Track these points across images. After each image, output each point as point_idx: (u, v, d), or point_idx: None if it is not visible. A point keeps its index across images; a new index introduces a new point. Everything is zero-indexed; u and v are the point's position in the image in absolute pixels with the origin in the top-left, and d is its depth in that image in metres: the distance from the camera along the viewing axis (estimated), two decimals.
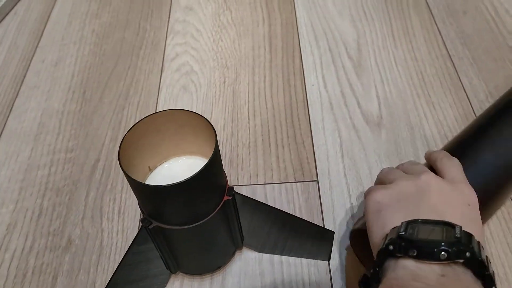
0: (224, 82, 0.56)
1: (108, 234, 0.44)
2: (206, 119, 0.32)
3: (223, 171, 0.35)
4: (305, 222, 0.37)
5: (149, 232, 0.33)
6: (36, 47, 0.63)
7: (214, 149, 0.30)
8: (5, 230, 0.44)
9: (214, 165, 0.31)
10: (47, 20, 0.67)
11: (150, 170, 0.37)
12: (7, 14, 0.69)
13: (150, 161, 0.36)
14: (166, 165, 0.37)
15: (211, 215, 0.33)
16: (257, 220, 0.37)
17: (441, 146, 0.47)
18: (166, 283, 0.40)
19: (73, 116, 0.54)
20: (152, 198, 0.31)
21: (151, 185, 0.29)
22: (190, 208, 0.32)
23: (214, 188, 0.32)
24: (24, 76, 0.59)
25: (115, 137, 0.52)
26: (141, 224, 0.34)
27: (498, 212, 0.42)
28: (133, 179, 0.29)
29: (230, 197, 0.34)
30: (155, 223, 0.33)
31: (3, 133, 0.53)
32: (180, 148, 0.37)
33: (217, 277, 0.40)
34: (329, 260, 0.40)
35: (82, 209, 0.45)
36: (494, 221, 0.42)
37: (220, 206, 0.33)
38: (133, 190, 0.32)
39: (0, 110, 0.55)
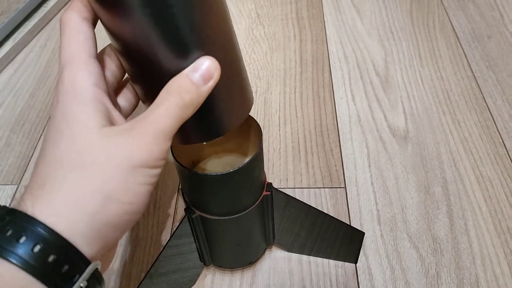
0: (256, 91, 0.59)
1: (144, 227, 0.46)
2: (252, 117, 0.34)
3: (264, 168, 0.37)
4: (336, 220, 0.39)
5: (191, 221, 0.35)
6: None
7: (260, 144, 0.32)
8: None
9: (258, 159, 0.33)
10: None
11: (194, 164, 0.39)
12: (51, 19, 0.73)
13: (194, 156, 0.39)
14: (208, 161, 0.39)
15: (250, 208, 0.35)
16: (289, 215, 0.39)
17: (466, 161, 0.49)
18: (198, 276, 0.42)
19: None
20: (199, 187, 0.33)
21: (201, 173, 0.31)
22: (233, 199, 0.34)
23: (256, 182, 0.34)
24: None
25: None
26: (181, 219, 0.36)
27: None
28: (185, 167, 0.31)
29: (269, 192, 0.36)
30: (198, 213, 0.35)
31: (46, 129, 0.56)
32: (221, 146, 0.39)
33: (248, 272, 0.42)
34: (356, 262, 0.42)
35: None
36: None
37: (259, 200, 0.35)
38: (180, 180, 0.35)
39: (44, 107, 0.58)
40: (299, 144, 0.52)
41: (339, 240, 0.40)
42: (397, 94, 0.57)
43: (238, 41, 0.27)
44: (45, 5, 0.72)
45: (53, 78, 0.62)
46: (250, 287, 0.41)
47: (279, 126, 0.54)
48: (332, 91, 0.58)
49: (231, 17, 0.26)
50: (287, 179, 0.49)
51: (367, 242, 0.43)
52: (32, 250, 0.19)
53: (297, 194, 0.47)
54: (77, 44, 0.23)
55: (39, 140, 0.54)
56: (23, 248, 0.19)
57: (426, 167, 0.49)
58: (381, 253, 0.42)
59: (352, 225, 0.44)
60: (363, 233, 0.39)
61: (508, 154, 0.49)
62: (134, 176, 0.21)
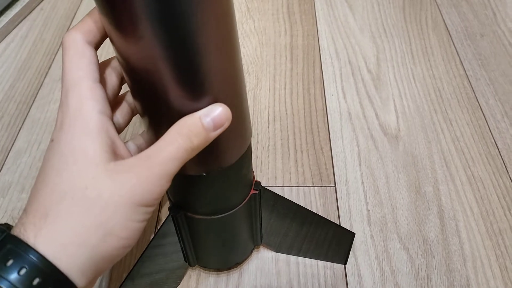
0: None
1: None
2: None
3: (252, 166, 0.35)
4: (325, 220, 0.38)
5: (175, 220, 0.34)
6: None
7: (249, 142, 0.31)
8: None
9: (246, 157, 0.31)
10: (73, 17, 0.68)
11: None
12: (33, 9, 0.71)
13: None
14: None
15: (237, 207, 0.33)
16: (277, 214, 0.38)
17: (458, 161, 0.48)
18: (183, 277, 0.40)
19: None
20: (183, 186, 0.31)
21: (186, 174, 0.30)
22: (219, 198, 0.32)
23: (243, 181, 0.33)
24: (49, 69, 0.60)
25: (137, 133, 0.52)
26: (165, 217, 0.35)
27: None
28: None
29: (257, 191, 0.34)
30: (182, 212, 0.33)
31: (26, 122, 0.54)
32: None
33: (234, 274, 0.40)
34: (345, 263, 0.40)
35: None
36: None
37: (246, 199, 0.34)
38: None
39: (24, 99, 0.56)
40: (288, 142, 0.51)
41: (328, 240, 0.39)
42: (388, 92, 0.56)
43: None
44: None
45: (34, 70, 0.60)
46: None
47: (268, 123, 0.53)
48: (323, 87, 0.57)
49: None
50: (275, 178, 0.48)
51: (357, 243, 0.42)
52: (31, 283, 0.20)
53: (286, 193, 0.46)
54: (81, 70, 0.23)
55: (18, 133, 0.52)
56: (22, 280, 0.20)
57: (417, 167, 0.48)
58: (370, 254, 0.41)
59: (341, 225, 0.43)
60: (353, 234, 0.38)
61: (500, 155, 0.49)
62: (134, 214, 0.22)
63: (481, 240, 0.42)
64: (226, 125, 0.24)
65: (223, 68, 0.24)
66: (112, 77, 0.26)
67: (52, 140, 0.23)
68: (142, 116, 0.26)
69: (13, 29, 0.66)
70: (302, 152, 0.50)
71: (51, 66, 0.61)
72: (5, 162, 0.50)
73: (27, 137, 0.52)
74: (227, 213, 0.33)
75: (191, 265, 0.39)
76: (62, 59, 0.23)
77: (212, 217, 0.33)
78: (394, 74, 0.58)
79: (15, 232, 0.21)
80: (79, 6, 0.70)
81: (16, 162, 0.49)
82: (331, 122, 0.53)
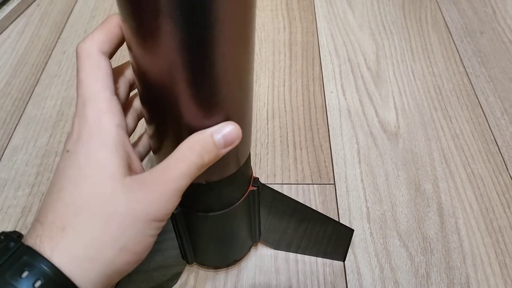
0: None
1: None
2: None
3: (250, 163, 0.35)
4: (324, 216, 0.37)
5: (173, 217, 0.33)
6: (58, 38, 0.64)
7: None
8: (20, 213, 0.44)
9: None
10: (70, 13, 0.68)
11: None
12: (30, 5, 0.70)
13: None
14: None
15: (236, 204, 0.33)
16: (275, 211, 0.37)
17: (457, 158, 0.48)
18: (180, 274, 0.40)
19: None
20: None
21: None
22: (217, 195, 0.32)
23: (241, 177, 0.33)
24: (45, 65, 0.60)
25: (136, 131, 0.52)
26: None
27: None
28: None
29: (255, 188, 0.34)
30: (180, 209, 0.33)
31: (22, 118, 0.53)
32: None
33: (232, 271, 0.40)
34: (344, 260, 0.40)
35: None
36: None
37: (245, 195, 0.34)
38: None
39: (20, 96, 0.56)
40: (287, 139, 0.51)
41: (327, 237, 0.39)
42: (388, 89, 0.56)
43: None
44: None
45: (30, 66, 0.59)
46: (234, 286, 0.39)
47: (267, 120, 0.53)
48: (322, 84, 0.56)
49: None
50: (274, 175, 0.47)
51: (356, 241, 0.42)
52: None
53: (285, 190, 0.46)
54: (98, 82, 0.23)
55: (14, 130, 0.52)
56: None
57: (417, 164, 0.48)
58: (370, 251, 0.41)
59: (341, 222, 0.43)
60: (352, 230, 0.37)
61: (500, 152, 0.49)
62: (148, 229, 0.23)
63: (480, 238, 0.42)
64: (236, 143, 0.25)
65: (239, 87, 0.24)
66: (122, 86, 0.26)
67: (67, 151, 0.23)
68: (148, 123, 0.26)
69: (9, 24, 0.66)
70: (301, 149, 0.50)
71: (47, 62, 0.60)
72: (1, 159, 0.49)
73: (23, 134, 0.51)
74: (225, 210, 0.33)
75: (188, 262, 0.39)
76: (77, 69, 0.23)
77: (210, 213, 0.33)
78: (394, 71, 0.58)
79: (30, 243, 0.21)
80: (76, 1, 0.69)
81: (12, 159, 0.49)
82: (331, 119, 0.52)
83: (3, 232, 0.22)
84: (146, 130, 0.29)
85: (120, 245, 0.22)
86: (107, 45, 0.23)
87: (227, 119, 0.24)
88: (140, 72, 0.23)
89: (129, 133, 0.28)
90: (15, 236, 0.22)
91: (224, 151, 0.25)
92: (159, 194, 0.22)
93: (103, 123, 0.23)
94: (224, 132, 0.24)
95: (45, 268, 0.20)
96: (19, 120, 0.53)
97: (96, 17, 0.67)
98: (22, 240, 0.21)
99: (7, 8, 0.66)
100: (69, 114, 0.53)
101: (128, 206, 0.22)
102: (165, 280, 0.39)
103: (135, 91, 0.28)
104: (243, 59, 0.23)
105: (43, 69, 0.59)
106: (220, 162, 0.26)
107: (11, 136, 0.51)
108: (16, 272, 0.20)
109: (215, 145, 0.24)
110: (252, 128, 0.51)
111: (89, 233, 0.21)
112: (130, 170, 0.24)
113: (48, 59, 0.61)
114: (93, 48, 0.23)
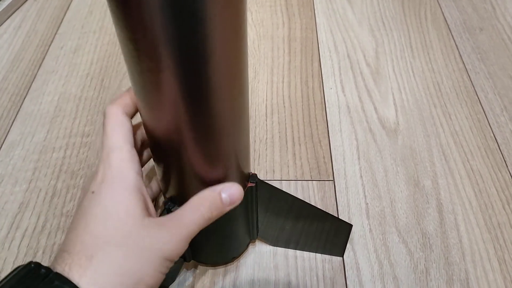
0: None
1: None
2: None
3: (249, 159, 0.35)
4: (322, 211, 0.37)
5: None
6: (55, 33, 0.63)
7: None
8: (17, 209, 0.44)
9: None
10: (67, 8, 0.67)
11: None
12: (26, 0, 0.70)
13: None
14: None
15: None
16: (273, 207, 0.37)
17: (457, 155, 0.48)
18: (179, 272, 0.40)
19: (91, 102, 0.54)
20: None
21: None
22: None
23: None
24: (42, 60, 0.59)
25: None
26: (160, 212, 0.34)
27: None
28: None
29: (253, 184, 0.34)
30: (177, 207, 0.32)
31: (19, 114, 0.53)
32: None
33: (231, 268, 0.40)
34: (343, 255, 0.40)
35: None
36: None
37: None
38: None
39: (17, 91, 0.55)
40: (286, 135, 0.50)
41: (325, 232, 0.39)
42: (387, 86, 0.55)
43: None
44: None
45: (27, 61, 0.59)
46: (233, 283, 0.39)
47: (266, 116, 0.52)
48: (321, 81, 0.56)
49: None
50: (273, 171, 0.47)
51: (355, 237, 0.42)
52: None
53: (284, 187, 0.46)
54: (122, 136, 0.28)
55: (11, 125, 0.51)
56: None
57: (416, 160, 0.48)
58: (369, 247, 0.41)
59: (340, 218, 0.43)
60: (351, 225, 0.37)
61: (499, 148, 0.48)
62: (161, 266, 0.26)
63: (480, 234, 0.42)
64: (238, 202, 0.29)
65: (237, 141, 0.29)
66: (138, 138, 0.32)
67: (92, 192, 0.26)
68: (157, 169, 0.31)
69: (6, 20, 0.65)
70: (300, 145, 0.49)
71: (44, 58, 0.60)
72: None
73: (20, 130, 0.51)
74: None
75: (186, 260, 0.39)
76: (104, 125, 0.28)
77: None
78: (393, 67, 0.58)
79: (59, 270, 0.24)
80: None
81: (9, 155, 0.48)
82: (330, 116, 0.52)
83: (31, 262, 0.24)
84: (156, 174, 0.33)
85: (138, 277, 0.25)
86: (129, 108, 0.29)
87: (227, 161, 0.29)
88: (148, 132, 0.28)
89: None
90: (36, 265, 0.24)
91: (228, 208, 0.29)
92: (175, 236, 0.26)
93: (125, 170, 0.27)
94: (230, 191, 0.29)
95: None
96: (16, 115, 0.53)
97: (94, 12, 0.66)
98: (51, 267, 0.24)
99: (4, 3, 0.65)
100: (66, 110, 0.53)
101: (148, 243, 0.25)
102: (164, 278, 0.39)
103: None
104: (239, 116, 0.27)
105: (40, 64, 0.59)
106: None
107: (8, 131, 0.51)
108: None
109: (222, 203, 0.28)
110: (251, 124, 0.51)
111: (114, 264, 0.24)
112: (147, 213, 0.27)
113: (45, 55, 0.60)
114: (119, 110, 0.28)
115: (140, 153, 0.32)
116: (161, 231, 0.26)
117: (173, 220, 0.27)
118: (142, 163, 0.33)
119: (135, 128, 0.31)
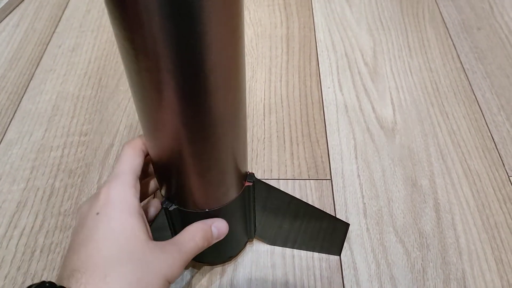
0: None
1: None
2: None
3: (246, 159, 0.35)
4: (319, 210, 0.37)
5: (168, 214, 0.33)
6: (53, 32, 0.63)
7: None
8: (15, 208, 0.44)
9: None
10: (66, 7, 0.67)
11: None
12: None
13: None
14: None
15: (231, 201, 0.33)
16: (271, 206, 0.37)
17: (454, 154, 0.48)
18: None
19: (89, 101, 0.54)
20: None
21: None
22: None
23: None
24: (40, 59, 0.59)
25: (130, 124, 0.52)
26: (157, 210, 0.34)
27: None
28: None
29: (250, 183, 0.34)
30: (175, 206, 0.33)
31: (17, 113, 0.53)
32: None
33: (228, 267, 0.40)
34: (340, 254, 0.40)
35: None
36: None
37: (240, 192, 0.33)
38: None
39: (15, 90, 0.55)
40: (284, 134, 0.50)
41: (323, 231, 0.39)
42: (385, 85, 0.55)
43: None
44: None
45: (25, 59, 0.59)
46: (231, 282, 0.39)
47: (264, 115, 0.52)
48: (319, 80, 0.56)
49: None
50: (271, 170, 0.47)
51: (353, 236, 0.42)
52: None
53: (282, 186, 0.46)
54: (132, 167, 0.31)
55: (9, 124, 0.51)
56: None
57: (414, 160, 0.48)
58: (366, 247, 0.41)
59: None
60: (348, 224, 0.37)
61: (497, 148, 0.49)
62: (161, 286, 0.28)
63: (477, 233, 0.42)
64: (223, 237, 0.33)
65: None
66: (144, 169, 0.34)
67: (97, 213, 0.28)
68: (154, 165, 0.32)
69: (4, 18, 0.65)
70: (298, 144, 0.49)
71: (42, 56, 0.60)
72: None
73: (18, 128, 0.51)
74: (220, 206, 0.33)
75: None
76: (121, 154, 0.31)
77: (206, 210, 0.32)
78: (391, 67, 0.58)
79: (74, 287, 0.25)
80: None
81: (7, 153, 0.48)
82: (327, 115, 0.52)
83: (44, 281, 0.25)
84: (150, 199, 0.36)
85: None
86: (144, 147, 0.32)
87: (224, 160, 0.30)
88: (145, 131, 0.29)
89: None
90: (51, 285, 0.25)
91: (215, 241, 0.33)
92: (176, 259, 0.29)
93: (128, 195, 0.29)
94: (219, 226, 0.33)
95: None
96: (14, 114, 0.52)
97: (92, 11, 0.66)
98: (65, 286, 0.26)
99: (2, 1, 0.65)
100: (64, 109, 0.53)
101: (154, 265, 0.27)
102: None
103: None
104: (236, 115, 0.28)
105: (38, 63, 0.59)
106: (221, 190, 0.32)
107: (6, 130, 0.51)
108: None
109: (212, 236, 0.32)
110: (249, 124, 0.51)
111: (125, 281, 0.26)
112: (147, 233, 0.29)
113: (43, 53, 0.60)
114: (137, 145, 0.32)
115: (146, 183, 0.36)
116: (165, 254, 0.28)
117: (173, 245, 0.30)
118: (149, 193, 0.36)
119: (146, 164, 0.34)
